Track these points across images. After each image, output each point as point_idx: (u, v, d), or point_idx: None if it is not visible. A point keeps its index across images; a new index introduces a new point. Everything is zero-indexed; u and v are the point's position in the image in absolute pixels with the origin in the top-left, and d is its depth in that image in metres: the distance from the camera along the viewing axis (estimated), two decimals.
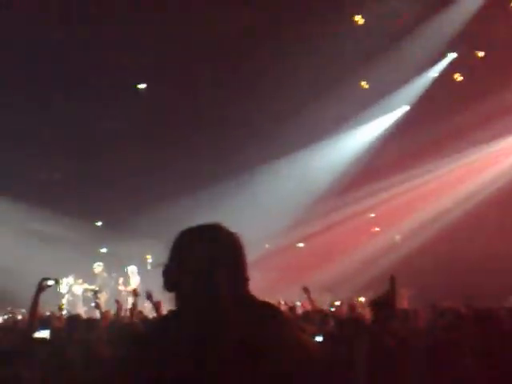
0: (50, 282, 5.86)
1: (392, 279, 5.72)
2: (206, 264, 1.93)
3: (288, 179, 17.38)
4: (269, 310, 1.98)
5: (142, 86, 15.44)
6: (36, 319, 5.47)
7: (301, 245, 19.59)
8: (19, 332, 6.52)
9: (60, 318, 8.97)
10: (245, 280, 1.98)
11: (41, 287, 5.60)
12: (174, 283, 1.97)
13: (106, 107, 15.02)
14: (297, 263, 17.74)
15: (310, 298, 8.46)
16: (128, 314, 8.95)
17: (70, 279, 13.82)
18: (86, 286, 14.32)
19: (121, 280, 14.27)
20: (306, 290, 8.59)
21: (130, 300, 13.62)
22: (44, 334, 5.19)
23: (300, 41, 13.17)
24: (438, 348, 4.48)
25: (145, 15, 12.74)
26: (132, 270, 14.45)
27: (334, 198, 17.38)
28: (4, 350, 4.32)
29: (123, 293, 13.97)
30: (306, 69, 13.98)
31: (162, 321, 2.11)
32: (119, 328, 6.28)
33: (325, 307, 12.08)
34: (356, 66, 14.33)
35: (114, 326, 7.00)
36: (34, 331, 5.05)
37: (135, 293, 9.27)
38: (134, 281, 14.27)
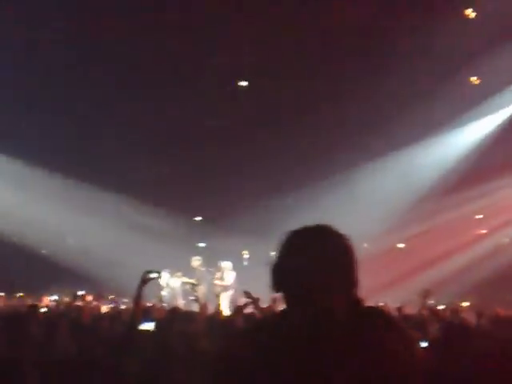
0: (153, 275, 5.92)
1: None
2: (317, 266, 1.89)
3: (393, 177, 16.90)
4: (381, 318, 1.94)
5: (244, 83, 15.54)
6: (140, 310, 5.54)
7: (401, 245, 19.08)
8: (124, 322, 6.67)
9: (160, 309, 9.14)
10: (356, 284, 1.94)
11: (144, 279, 5.64)
12: (284, 283, 1.93)
13: (209, 105, 15.24)
14: (397, 265, 17.30)
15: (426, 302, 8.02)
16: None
17: (167, 273, 14.08)
18: (185, 279, 14.56)
19: (217, 274, 14.38)
20: (427, 292, 8.11)
21: (224, 294, 13.77)
22: (149, 326, 5.24)
23: (411, 35, 12.75)
24: None
25: (246, 14, 12.79)
26: (226, 265, 14.50)
27: (440, 197, 16.72)
28: (110, 340, 4.38)
29: (218, 288, 14.10)
30: (413, 65, 13.52)
31: (271, 321, 2.02)
32: (219, 323, 6.27)
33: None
34: (467, 61, 13.71)
35: (213, 320, 7.03)
36: (139, 323, 5.11)
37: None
38: (229, 276, 14.35)
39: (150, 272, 5.78)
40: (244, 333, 2.15)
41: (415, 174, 16.99)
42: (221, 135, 16.09)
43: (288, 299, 1.93)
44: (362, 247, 18.60)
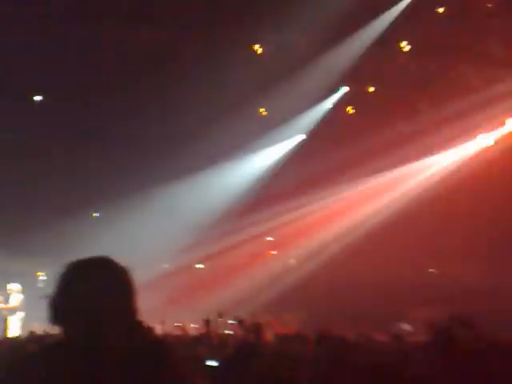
0: None
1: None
2: (92, 300, 1.97)
3: (187, 200, 17.49)
4: (158, 355, 2.04)
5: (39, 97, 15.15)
6: None
7: (200, 266, 19.68)
8: None
9: None
10: (133, 310, 2.04)
11: None
12: (60, 316, 2.01)
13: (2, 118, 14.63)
14: (195, 284, 17.85)
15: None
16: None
17: None
18: None
19: (1, 298, 13.81)
20: (220, 315, 8.46)
21: (13, 317, 13.29)
22: None
23: (199, 64, 13.38)
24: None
25: None
26: (12, 287, 14.00)
27: (232, 220, 17.62)
28: None
29: (4, 311, 13.58)
30: (205, 93, 14.20)
31: (46, 348, 2.11)
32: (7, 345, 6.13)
33: (221, 330, 12.20)
34: (255, 93, 14.68)
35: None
36: None
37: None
38: (15, 298, 13.85)
39: None
40: (25, 357, 2.16)
41: (211, 198, 17.76)
42: (16, 149, 15.51)
43: (63, 330, 1.99)
44: (162, 267, 18.96)
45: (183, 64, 13.23)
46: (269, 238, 18.67)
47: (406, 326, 11.53)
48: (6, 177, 15.72)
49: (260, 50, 14.11)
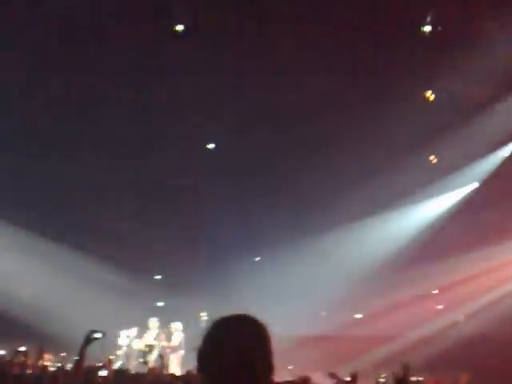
0: (98, 335, 5.90)
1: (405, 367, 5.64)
2: (235, 357, 2.06)
3: (348, 249, 17.18)
4: None
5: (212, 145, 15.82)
6: (81, 372, 5.51)
7: (359, 316, 19.17)
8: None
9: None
10: (272, 370, 2.12)
11: (88, 339, 5.60)
12: (207, 369, 2.10)
13: (175, 164, 15.45)
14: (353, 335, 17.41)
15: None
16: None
17: (134, 332, 13.83)
18: (145, 340, 14.37)
19: (163, 336, 14.23)
20: (333, 375, 8.27)
21: (173, 355, 13.61)
22: None
23: (370, 116, 13.29)
24: None
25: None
26: (175, 326, 14.41)
27: (398, 271, 16.96)
28: None
29: (166, 349, 13.98)
30: (372, 142, 14.02)
31: None
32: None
33: None
34: (426, 140, 14.26)
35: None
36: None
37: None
38: (176, 337, 14.22)
39: (95, 332, 5.76)
40: None
41: (372, 247, 17.30)
42: (184, 193, 16.25)
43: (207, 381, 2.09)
44: (320, 315, 18.70)
45: (354, 109, 13.20)
46: (434, 292, 17.70)
47: None
48: (180, 217, 16.49)
49: (432, 97, 13.71)
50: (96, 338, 5.75)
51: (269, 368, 2.13)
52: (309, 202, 15.74)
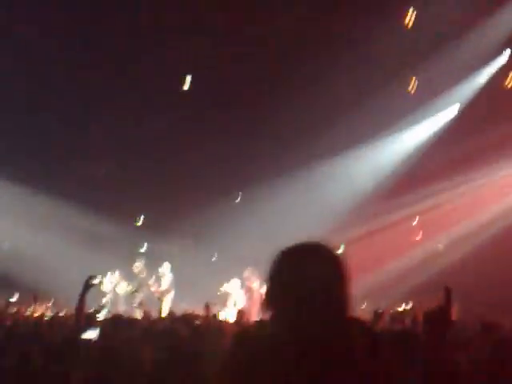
0: (96, 281, 5.81)
1: (447, 291, 5.50)
2: (308, 289, 1.89)
3: (331, 181, 17.12)
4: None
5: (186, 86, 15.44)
6: (83, 317, 5.42)
7: (341, 248, 19.31)
8: (65, 329, 6.49)
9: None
10: (346, 302, 1.95)
11: (87, 285, 5.54)
12: (276, 306, 1.93)
13: (153, 107, 15.06)
14: None
15: None
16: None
17: (116, 277, 13.73)
18: (126, 285, 14.33)
19: (152, 280, 14.16)
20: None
21: (165, 298, 13.59)
22: (92, 334, 5.11)
23: (346, 37, 13.00)
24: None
25: None
26: (163, 270, 14.31)
27: (378, 201, 16.99)
28: (54, 348, 4.24)
29: (156, 293, 13.94)
30: (352, 72, 13.76)
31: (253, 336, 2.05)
32: (161, 331, 6.17)
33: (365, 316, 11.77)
34: (406, 65, 14.04)
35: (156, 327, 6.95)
36: (82, 330, 4.99)
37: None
38: (166, 280, 14.16)
39: (93, 277, 5.66)
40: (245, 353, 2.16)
41: (355, 179, 17.26)
42: (161, 137, 15.89)
43: (276, 319, 1.91)
44: None
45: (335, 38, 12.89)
46: (414, 222, 17.82)
47: None
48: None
49: (411, 23, 13.44)
50: (94, 284, 5.70)
51: (342, 301, 1.94)
52: (291, 136, 15.52)
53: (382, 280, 16.35)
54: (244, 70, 14.14)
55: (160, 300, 13.68)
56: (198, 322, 7.59)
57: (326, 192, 17.13)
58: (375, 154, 16.95)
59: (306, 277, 1.89)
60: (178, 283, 14.38)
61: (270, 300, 1.94)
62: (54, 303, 14.42)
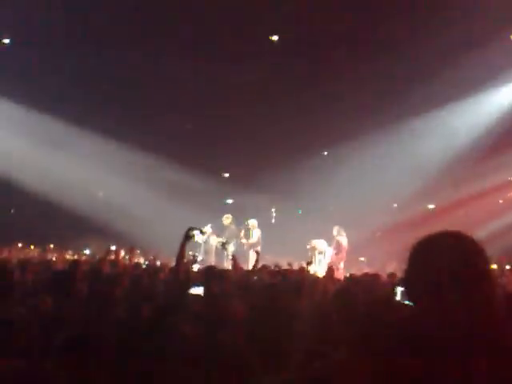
0: (196, 232, 5.79)
1: None
2: (448, 277, 1.80)
3: (427, 138, 16.47)
4: None
5: (275, 37, 15.16)
6: (182, 268, 5.43)
7: (431, 206, 18.79)
8: (164, 280, 6.58)
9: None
10: (493, 296, 1.84)
11: (187, 236, 5.54)
12: (416, 294, 1.87)
13: (236, 61, 14.86)
14: (425, 225, 17.07)
15: None
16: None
17: (208, 228, 13.93)
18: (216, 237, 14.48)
19: (242, 233, 14.24)
20: None
21: (251, 252, 13.62)
22: (198, 290, 5.11)
23: None
24: None
25: None
26: (252, 223, 14.34)
27: (475, 160, 16.23)
28: (162, 301, 4.26)
29: (245, 246, 14.01)
30: (450, 23, 13.00)
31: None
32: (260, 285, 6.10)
33: None
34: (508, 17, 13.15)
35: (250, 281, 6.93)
36: (188, 285, 5.01)
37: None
38: (255, 234, 14.20)
39: (193, 229, 5.64)
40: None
41: (451, 136, 16.54)
42: (250, 91, 15.71)
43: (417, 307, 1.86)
44: (392, 207, 18.41)
45: None
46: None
47: None
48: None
49: None
50: (193, 235, 5.68)
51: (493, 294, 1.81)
52: (384, 91, 14.96)
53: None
54: (336, 28, 13.72)
55: (247, 253, 13.74)
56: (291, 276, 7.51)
57: (419, 150, 16.54)
58: (473, 109, 16.06)
59: (446, 266, 1.80)
60: (264, 237, 14.43)
61: (410, 289, 1.88)
62: (146, 253, 14.85)
